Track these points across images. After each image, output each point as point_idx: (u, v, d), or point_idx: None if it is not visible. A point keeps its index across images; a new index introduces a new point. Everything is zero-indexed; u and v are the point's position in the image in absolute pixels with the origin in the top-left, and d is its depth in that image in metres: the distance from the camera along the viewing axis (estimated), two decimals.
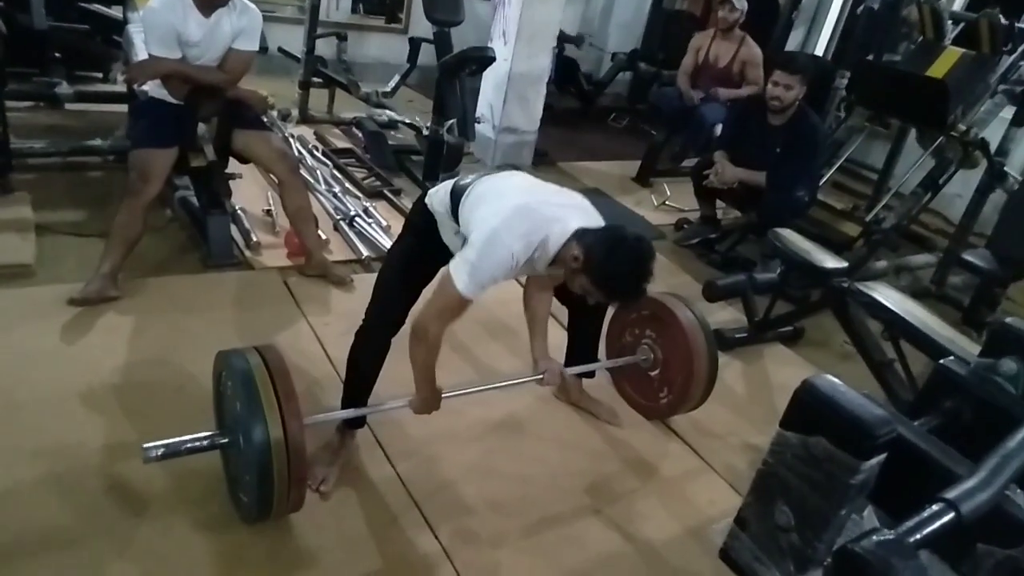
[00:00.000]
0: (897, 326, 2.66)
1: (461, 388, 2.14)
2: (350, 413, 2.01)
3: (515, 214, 1.80)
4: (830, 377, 0.95)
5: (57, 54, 4.16)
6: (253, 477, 1.62)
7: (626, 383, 2.64)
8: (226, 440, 1.76)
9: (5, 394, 2.09)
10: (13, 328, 2.36)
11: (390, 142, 4.53)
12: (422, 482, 2.08)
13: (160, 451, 1.64)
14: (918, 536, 0.88)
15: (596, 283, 1.79)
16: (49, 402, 2.10)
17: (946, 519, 0.91)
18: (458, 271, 1.77)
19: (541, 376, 2.15)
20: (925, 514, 0.92)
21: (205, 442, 1.73)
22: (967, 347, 2.41)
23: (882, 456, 0.89)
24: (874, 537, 0.83)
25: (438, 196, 2.02)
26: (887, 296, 2.75)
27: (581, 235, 1.80)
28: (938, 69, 3.87)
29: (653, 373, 2.52)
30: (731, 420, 2.66)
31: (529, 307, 2.19)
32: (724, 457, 2.46)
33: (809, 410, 0.93)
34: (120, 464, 1.93)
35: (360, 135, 4.66)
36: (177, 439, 1.68)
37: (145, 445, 1.64)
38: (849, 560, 0.82)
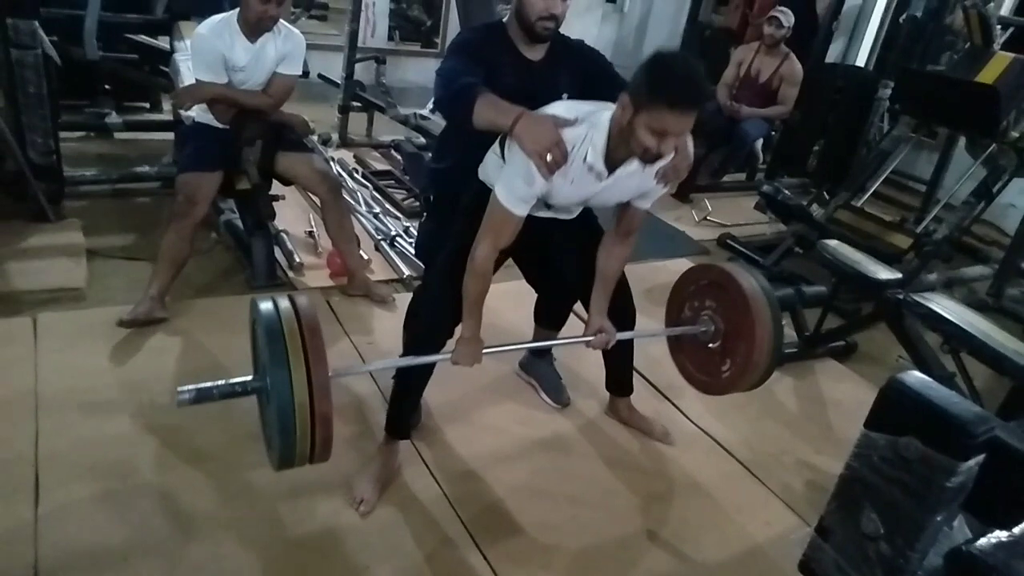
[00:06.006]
0: (958, 338, 2.55)
1: (503, 345, 2.01)
2: (383, 364, 1.86)
3: (554, 110, 1.74)
4: (919, 374, 0.90)
5: (107, 86, 4.31)
6: (274, 415, 1.51)
7: (686, 358, 2.46)
8: (257, 385, 1.66)
9: (59, 413, 2.11)
10: (66, 349, 2.40)
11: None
12: (469, 502, 2.04)
13: (192, 394, 1.57)
14: None
15: (652, 99, 1.56)
16: (100, 420, 2.12)
17: None
18: (499, 182, 1.74)
19: (591, 338, 2.00)
20: None
21: (238, 388, 1.64)
22: None
23: (980, 457, 0.83)
24: (989, 539, 0.77)
25: (488, 158, 1.93)
26: (946, 307, 2.64)
27: (622, 93, 1.64)
28: (988, 75, 3.76)
29: (713, 345, 2.37)
30: (784, 438, 2.58)
31: (600, 259, 2.02)
32: (778, 476, 2.37)
33: (898, 409, 0.86)
34: (169, 481, 1.94)
35: (399, 157, 4.70)
36: (209, 383, 1.59)
37: (179, 388, 1.55)
38: (966, 563, 0.75)
